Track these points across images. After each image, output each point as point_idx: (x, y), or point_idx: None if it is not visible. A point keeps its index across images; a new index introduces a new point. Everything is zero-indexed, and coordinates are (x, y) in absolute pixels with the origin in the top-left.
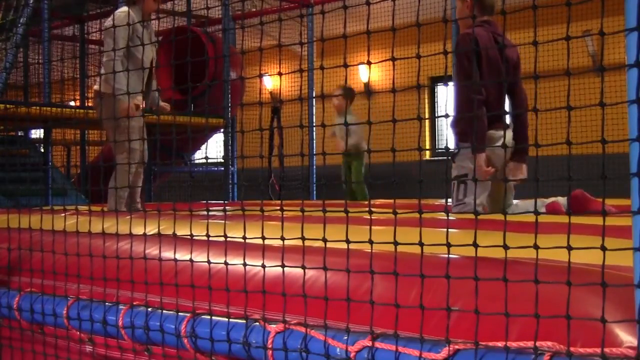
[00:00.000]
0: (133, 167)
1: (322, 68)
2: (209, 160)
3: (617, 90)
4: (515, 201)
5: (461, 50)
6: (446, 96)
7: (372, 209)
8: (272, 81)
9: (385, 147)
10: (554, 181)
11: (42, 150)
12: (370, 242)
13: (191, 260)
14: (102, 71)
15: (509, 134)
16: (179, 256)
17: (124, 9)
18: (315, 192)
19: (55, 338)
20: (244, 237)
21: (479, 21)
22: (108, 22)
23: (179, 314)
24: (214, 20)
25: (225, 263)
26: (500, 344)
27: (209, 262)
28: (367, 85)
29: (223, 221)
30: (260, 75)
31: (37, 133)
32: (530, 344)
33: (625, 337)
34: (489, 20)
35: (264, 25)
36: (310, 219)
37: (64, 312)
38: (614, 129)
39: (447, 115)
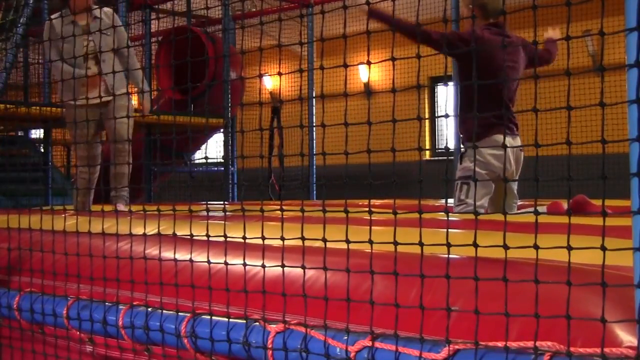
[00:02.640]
0: (87, 174)
1: (322, 68)
2: (209, 160)
3: (617, 90)
4: (518, 202)
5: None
6: (446, 96)
7: (372, 209)
8: (272, 81)
9: (385, 147)
10: (554, 181)
11: (42, 150)
12: (370, 242)
13: (191, 260)
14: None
15: (515, 141)
16: (179, 256)
17: (54, 16)
18: (315, 192)
19: (55, 338)
20: (244, 237)
21: (484, 25)
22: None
23: (179, 314)
24: (214, 20)
25: (225, 263)
26: (500, 344)
27: (209, 262)
28: (367, 85)
29: (223, 221)
30: (260, 75)
31: (37, 133)
32: (530, 344)
33: (626, 336)
34: (497, 22)
35: (264, 25)
36: (310, 219)
37: (64, 312)
38: (614, 129)
39: (447, 115)
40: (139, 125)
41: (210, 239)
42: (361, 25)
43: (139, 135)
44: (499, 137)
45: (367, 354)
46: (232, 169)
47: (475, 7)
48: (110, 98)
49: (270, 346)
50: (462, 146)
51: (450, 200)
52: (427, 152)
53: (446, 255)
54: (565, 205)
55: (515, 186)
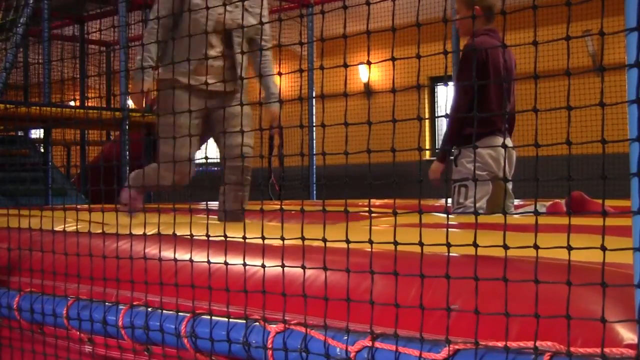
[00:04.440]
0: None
1: (322, 68)
2: (209, 160)
3: (617, 90)
4: (516, 201)
5: (468, 50)
6: (446, 96)
7: (372, 209)
8: None
9: (385, 147)
10: (554, 181)
11: (42, 150)
12: (370, 242)
13: (191, 260)
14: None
15: (508, 142)
16: (178, 256)
17: None
18: (315, 192)
19: (55, 338)
20: (244, 237)
21: (484, 29)
22: None
23: (179, 314)
24: None
25: (225, 263)
26: (500, 343)
27: (208, 262)
28: (367, 85)
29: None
30: (261, 75)
31: (37, 133)
32: (530, 343)
33: (626, 334)
34: (493, 28)
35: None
36: (310, 219)
37: (64, 312)
38: (614, 129)
39: (447, 116)
40: (138, 125)
41: (210, 239)
42: (361, 25)
43: (139, 135)
44: (495, 139)
45: (367, 354)
46: None
47: (482, 8)
48: (233, 89)
49: (270, 346)
50: (455, 149)
51: (449, 201)
52: (427, 152)
53: (446, 255)
54: (564, 205)
55: (510, 186)
